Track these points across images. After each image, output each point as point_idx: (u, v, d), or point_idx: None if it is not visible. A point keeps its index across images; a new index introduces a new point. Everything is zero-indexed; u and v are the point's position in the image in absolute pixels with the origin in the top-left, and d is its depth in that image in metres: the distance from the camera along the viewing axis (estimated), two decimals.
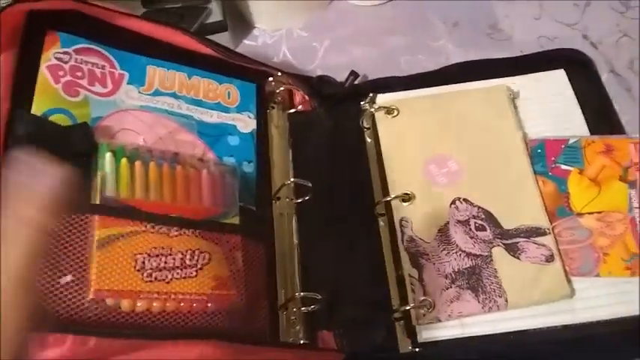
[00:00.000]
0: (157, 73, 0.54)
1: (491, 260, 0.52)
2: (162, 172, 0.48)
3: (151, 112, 0.52)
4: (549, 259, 0.52)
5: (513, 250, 0.52)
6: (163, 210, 0.46)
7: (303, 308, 0.51)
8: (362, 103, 0.62)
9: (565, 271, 0.52)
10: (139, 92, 0.52)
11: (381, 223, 0.56)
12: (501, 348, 0.50)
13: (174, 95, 0.54)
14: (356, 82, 0.64)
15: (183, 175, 0.49)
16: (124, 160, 0.46)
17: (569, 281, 0.51)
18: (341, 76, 0.64)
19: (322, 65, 0.69)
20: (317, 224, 0.55)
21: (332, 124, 0.61)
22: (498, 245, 0.53)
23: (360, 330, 0.51)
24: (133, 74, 0.53)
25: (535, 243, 0.53)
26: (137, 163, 0.47)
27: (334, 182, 0.57)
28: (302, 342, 0.50)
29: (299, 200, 0.56)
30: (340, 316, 0.51)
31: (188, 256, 0.45)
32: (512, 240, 0.53)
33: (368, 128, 0.61)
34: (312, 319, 0.51)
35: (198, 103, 0.55)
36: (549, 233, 0.53)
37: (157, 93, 0.53)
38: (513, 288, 0.51)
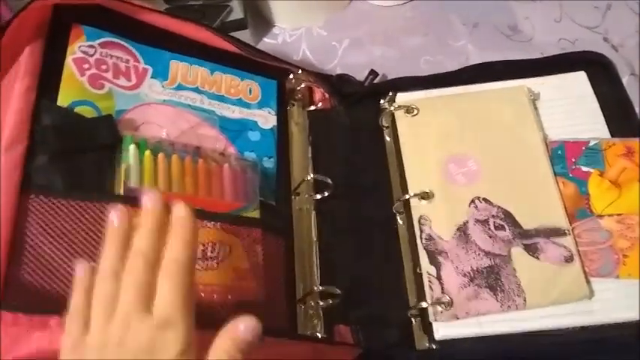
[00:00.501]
0: (180, 68, 0.54)
1: (510, 260, 0.52)
2: (184, 165, 0.48)
3: (174, 106, 0.53)
4: (568, 259, 0.52)
5: (532, 250, 0.52)
6: (185, 202, 0.46)
7: (321, 302, 0.51)
8: (381, 102, 0.62)
9: (584, 272, 0.51)
10: (163, 86, 0.53)
11: (400, 221, 0.56)
12: (518, 347, 0.50)
13: (196, 90, 0.54)
14: (375, 82, 0.64)
15: (205, 168, 0.49)
16: (147, 153, 0.47)
17: (588, 282, 0.51)
18: (360, 75, 0.65)
19: (342, 64, 0.69)
20: (336, 220, 0.55)
21: (351, 122, 0.61)
22: (517, 245, 0.53)
23: (377, 326, 0.51)
24: (156, 68, 0.53)
25: (554, 243, 0.52)
26: (160, 156, 0.47)
27: (353, 179, 0.57)
28: (320, 336, 0.50)
29: (318, 196, 0.56)
30: (357, 311, 0.51)
31: (209, 248, 0.45)
32: (531, 240, 0.53)
33: (387, 127, 0.61)
34: (329, 313, 0.51)
35: (220, 98, 0.55)
36: (569, 234, 0.53)
37: (179, 87, 0.54)
38: (532, 288, 0.51)
